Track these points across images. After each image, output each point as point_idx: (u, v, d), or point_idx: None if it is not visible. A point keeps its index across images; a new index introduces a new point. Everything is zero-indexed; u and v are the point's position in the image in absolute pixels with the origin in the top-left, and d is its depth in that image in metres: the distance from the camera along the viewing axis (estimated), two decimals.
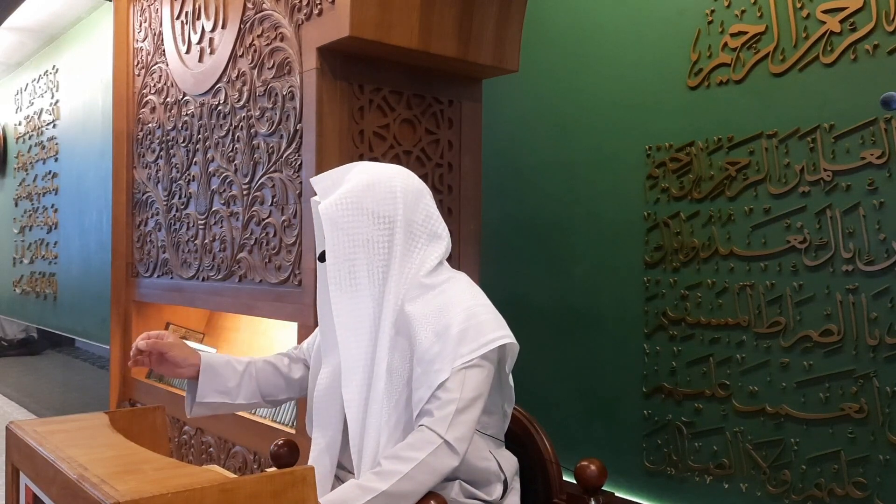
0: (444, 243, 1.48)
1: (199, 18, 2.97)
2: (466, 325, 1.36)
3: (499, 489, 1.45)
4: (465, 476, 1.41)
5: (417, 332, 1.37)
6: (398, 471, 1.26)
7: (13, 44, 6.79)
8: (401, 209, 1.42)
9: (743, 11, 2.54)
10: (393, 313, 1.39)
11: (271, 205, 2.50)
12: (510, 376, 1.50)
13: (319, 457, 1.46)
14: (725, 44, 2.59)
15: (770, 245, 2.46)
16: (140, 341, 1.52)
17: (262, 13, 2.55)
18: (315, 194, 1.51)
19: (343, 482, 1.38)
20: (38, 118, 6.95)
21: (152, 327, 3.49)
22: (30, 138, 7.19)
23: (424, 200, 1.48)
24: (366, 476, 1.29)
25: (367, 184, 1.43)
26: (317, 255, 1.54)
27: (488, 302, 1.44)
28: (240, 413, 2.73)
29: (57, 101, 6.53)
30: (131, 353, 1.53)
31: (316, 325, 2.25)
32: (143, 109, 3.47)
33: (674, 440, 2.71)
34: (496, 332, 1.38)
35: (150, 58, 3.42)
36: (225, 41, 2.78)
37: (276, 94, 2.47)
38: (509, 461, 1.51)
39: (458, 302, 1.40)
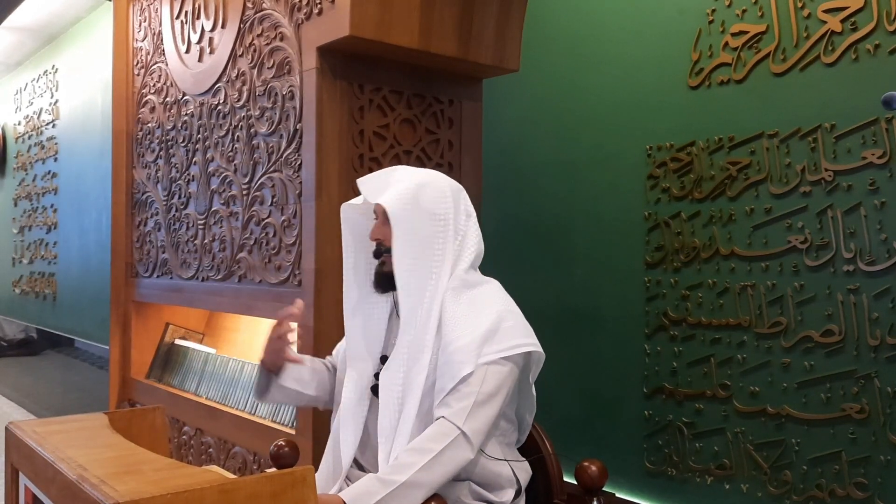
0: (479, 240, 1.55)
1: (198, 18, 2.97)
2: (496, 326, 1.41)
3: (510, 494, 1.47)
4: (478, 478, 1.43)
5: (448, 325, 1.42)
6: (416, 462, 1.30)
7: (13, 43, 6.78)
8: (451, 208, 1.49)
9: (744, 11, 2.53)
10: (439, 307, 1.44)
11: (271, 205, 2.50)
12: (532, 386, 1.53)
13: (338, 453, 1.51)
14: (726, 43, 2.58)
15: (771, 245, 2.45)
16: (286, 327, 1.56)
17: (262, 13, 2.55)
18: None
19: (352, 481, 1.40)
20: (38, 118, 6.94)
21: (152, 328, 3.48)
22: (29, 138, 7.19)
23: (466, 199, 1.55)
24: (384, 469, 1.33)
25: (419, 183, 1.48)
26: (344, 257, 1.59)
27: (518, 310, 1.50)
28: (239, 413, 2.72)
29: (56, 101, 6.52)
30: (280, 334, 1.57)
31: (316, 325, 2.25)
32: (142, 109, 3.46)
33: (674, 441, 2.71)
34: (524, 338, 1.43)
35: (149, 57, 3.42)
36: (224, 41, 2.78)
37: (276, 94, 2.46)
38: (524, 469, 1.53)
39: (491, 304, 1.45)
